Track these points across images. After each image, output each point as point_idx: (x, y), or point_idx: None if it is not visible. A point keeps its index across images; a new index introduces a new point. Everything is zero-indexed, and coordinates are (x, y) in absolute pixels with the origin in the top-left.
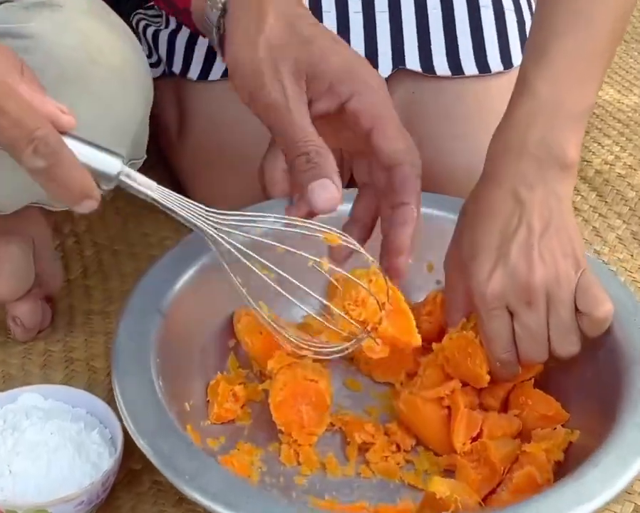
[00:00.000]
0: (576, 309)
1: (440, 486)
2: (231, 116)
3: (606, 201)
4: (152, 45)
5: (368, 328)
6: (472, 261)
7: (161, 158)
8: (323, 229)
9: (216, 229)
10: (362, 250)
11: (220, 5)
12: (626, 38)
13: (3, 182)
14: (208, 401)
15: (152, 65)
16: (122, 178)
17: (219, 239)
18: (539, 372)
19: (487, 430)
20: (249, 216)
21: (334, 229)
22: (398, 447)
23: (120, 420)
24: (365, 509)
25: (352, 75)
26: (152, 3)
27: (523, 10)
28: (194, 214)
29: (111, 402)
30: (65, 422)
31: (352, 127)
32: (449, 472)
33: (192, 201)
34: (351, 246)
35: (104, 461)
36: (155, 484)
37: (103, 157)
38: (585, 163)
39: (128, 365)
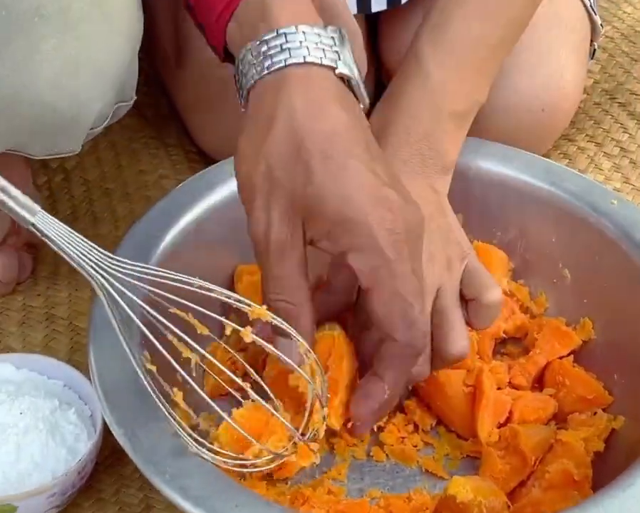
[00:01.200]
0: (463, 300)
1: (462, 489)
2: None
3: None
4: None
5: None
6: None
7: (159, 86)
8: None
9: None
10: (296, 336)
11: (245, 87)
12: None
13: None
14: (204, 371)
15: None
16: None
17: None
18: (578, 346)
19: (517, 413)
20: (159, 271)
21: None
22: (416, 427)
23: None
24: (376, 501)
25: (352, 223)
26: None
27: None
28: (83, 254)
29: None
30: (37, 400)
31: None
32: (473, 459)
33: (84, 239)
34: (283, 327)
35: (81, 443)
36: None
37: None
38: (634, 97)
39: (109, 332)
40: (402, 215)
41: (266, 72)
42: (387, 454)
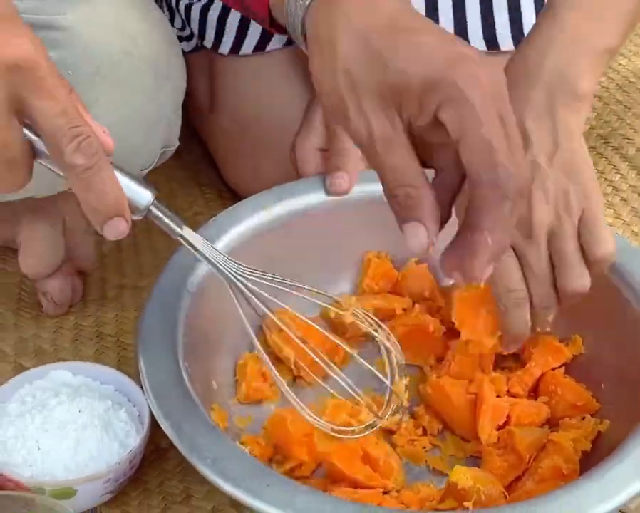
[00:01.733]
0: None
1: (463, 476)
2: (263, 90)
3: None
4: (184, 18)
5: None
6: None
7: (193, 132)
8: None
9: (235, 276)
10: (377, 335)
11: (298, 26)
12: None
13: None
14: (236, 380)
15: (184, 39)
16: (152, 209)
17: (239, 285)
18: (569, 359)
19: (514, 417)
20: (273, 277)
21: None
22: (425, 431)
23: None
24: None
25: (437, 82)
26: None
27: None
28: (218, 259)
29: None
30: (93, 401)
31: (443, 136)
32: (475, 458)
33: (218, 249)
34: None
35: (131, 439)
36: (182, 462)
37: (136, 186)
38: (627, 141)
39: (155, 344)
40: (482, 67)
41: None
42: (399, 454)
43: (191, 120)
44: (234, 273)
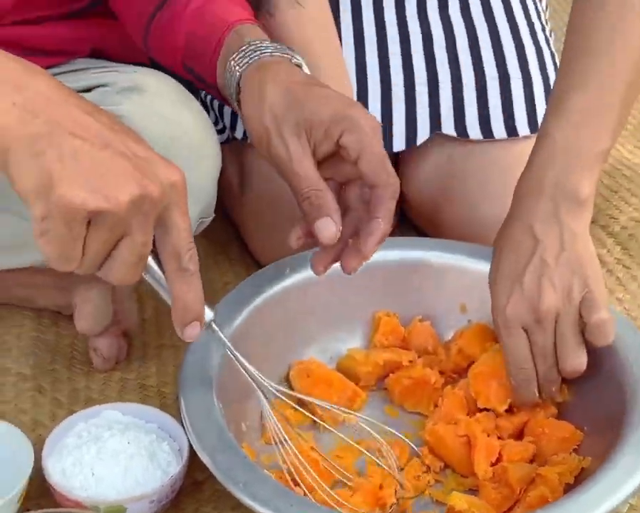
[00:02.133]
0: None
1: (459, 501)
2: None
3: (630, 254)
4: (218, 114)
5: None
6: (494, 287)
7: (225, 212)
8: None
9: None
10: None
11: (234, 85)
12: None
13: None
14: (263, 424)
15: (218, 132)
16: (213, 326)
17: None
18: (555, 414)
19: (505, 455)
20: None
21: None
22: (429, 468)
23: (187, 434)
24: None
25: (341, 117)
26: None
27: (550, 77)
28: (256, 375)
29: (179, 419)
30: (140, 434)
31: (345, 158)
32: (473, 491)
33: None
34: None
35: (172, 468)
36: (215, 492)
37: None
38: (613, 220)
39: (193, 389)
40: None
41: (247, 65)
42: (407, 488)
43: (223, 201)
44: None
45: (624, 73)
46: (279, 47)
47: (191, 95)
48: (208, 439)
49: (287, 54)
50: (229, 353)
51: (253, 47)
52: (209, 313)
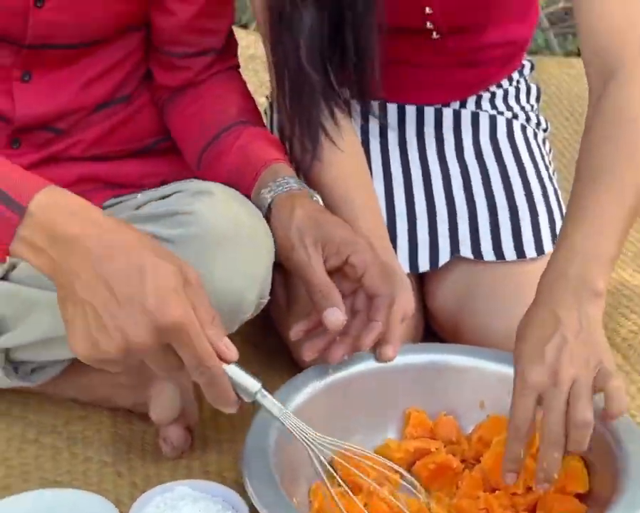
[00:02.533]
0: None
1: None
2: None
3: (630, 362)
4: None
5: None
6: (519, 360)
7: (273, 328)
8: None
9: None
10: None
11: (267, 205)
12: None
13: None
14: (310, 501)
15: None
16: (258, 397)
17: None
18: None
19: None
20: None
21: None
22: None
23: (248, 505)
24: None
25: (350, 242)
26: None
27: (553, 209)
28: (307, 436)
29: (240, 494)
30: (209, 504)
31: (350, 274)
32: None
33: (306, 426)
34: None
35: None
36: None
37: (248, 378)
38: (614, 332)
39: (255, 468)
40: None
41: (277, 194)
42: None
43: (271, 313)
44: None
45: (630, 192)
46: (302, 183)
47: (247, 199)
48: (269, 504)
49: (308, 190)
50: (280, 416)
51: (285, 181)
52: (256, 384)
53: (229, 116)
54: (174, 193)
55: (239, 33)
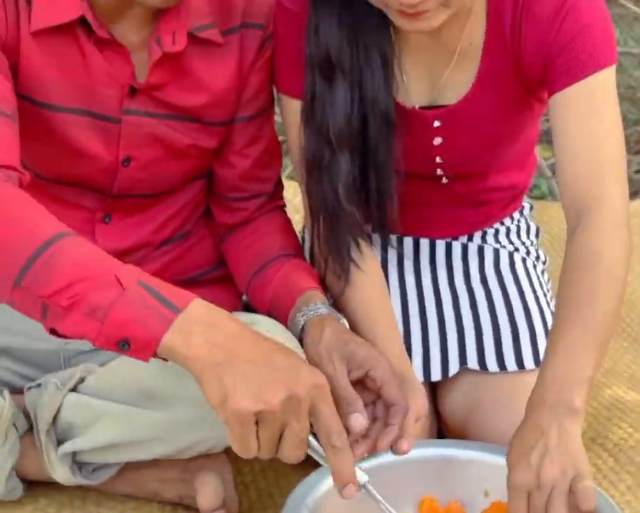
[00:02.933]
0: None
1: None
2: None
3: (620, 464)
4: None
5: None
6: (510, 463)
7: None
8: None
9: None
10: None
11: (300, 327)
12: None
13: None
14: None
15: None
16: (368, 486)
17: None
18: None
19: None
20: None
21: None
22: None
23: None
24: None
25: (371, 358)
26: None
27: (548, 323)
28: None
29: None
30: None
31: (370, 387)
32: None
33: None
34: None
35: None
36: None
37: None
38: (607, 439)
39: None
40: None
41: (309, 317)
42: None
43: None
44: None
45: (602, 322)
46: (331, 308)
47: (285, 327)
48: None
49: (335, 313)
50: (383, 508)
51: (317, 307)
52: (363, 476)
53: (274, 250)
54: None
55: None
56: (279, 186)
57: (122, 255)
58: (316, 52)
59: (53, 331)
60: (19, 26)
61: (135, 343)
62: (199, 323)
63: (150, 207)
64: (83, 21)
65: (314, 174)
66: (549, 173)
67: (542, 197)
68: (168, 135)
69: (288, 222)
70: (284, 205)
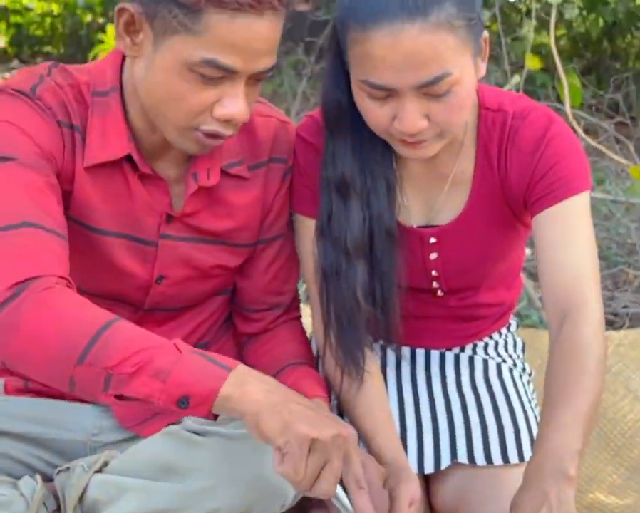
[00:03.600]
0: None
1: None
2: None
3: None
4: None
5: None
6: None
7: None
8: None
9: None
10: None
11: None
12: None
13: None
14: None
15: None
16: None
17: None
18: None
19: None
20: None
21: None
22: None
23: None
24: None
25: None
26: None
27: (532, 429)
28: None
29: None
30: None
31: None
32: None
33: None
34: None
35: None
36: None
37: None
38: None
39: None
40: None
41: None
42: None
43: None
44: None
45: (588, 403)
46: (335, 415)
47: None
48: None
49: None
50: None
51: None
52: None
53: (287, 358)
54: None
55: None
56: (296, 298)
57: None
58: (333, 175)
59: (118, 397)
60: (75, 159)
61: (194, 399)
62: (251, 375)
63: (177, 318)
64: (129, 158)
65: (332, 281)
66: (539, 304)
67: (533, 326)
68: (198, 256)
69: (303, 333)
70: (300, 316)
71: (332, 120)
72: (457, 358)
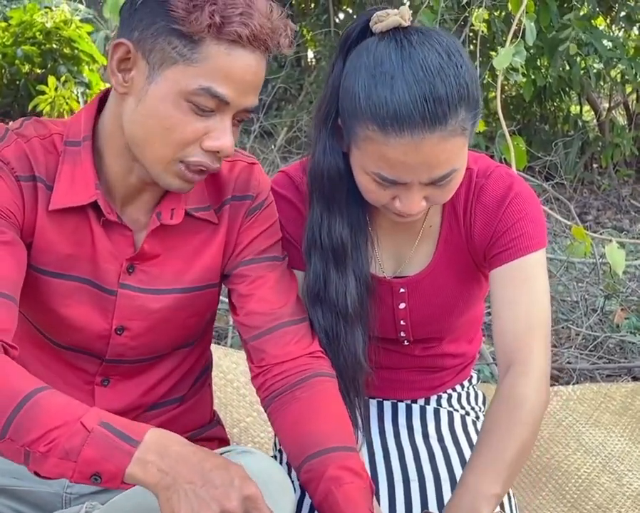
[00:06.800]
0: None
1: None
2: None
3: None
4: None
5: None
6: None
7: None
8: None
9: None
10: None
11: None
12: None
13: None
14: None
15: None
16: None
17: None
18: None
19: None
20: None
21: None
22: None
23: None
24: None
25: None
26: None
27: None
28: None
29: None
30: None
31: None
32: None
33: None
34: None
35: None
36: None
37: None
38: None
39: None
40: None
41: None
42: None
43: None
44: None
45: (514, 450)
46: None
47: (277, 462)
48: None
49: None
50: None
51: None
52: None
53: (326, 438)
54: (227, 452)
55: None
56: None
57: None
58: (329, 244)
59: (37, 473)
60: (37, 209)
61: (105, 476)
62: (153, 452)
63: (143, 371)
64: (95, 206)
65: (333, 347)
66: (491, 359)
67: (486, 381)
68: (157, 308)
69: (338, 398)
70: (335, 375)
71: (327, 190)
72: (423, 410)
